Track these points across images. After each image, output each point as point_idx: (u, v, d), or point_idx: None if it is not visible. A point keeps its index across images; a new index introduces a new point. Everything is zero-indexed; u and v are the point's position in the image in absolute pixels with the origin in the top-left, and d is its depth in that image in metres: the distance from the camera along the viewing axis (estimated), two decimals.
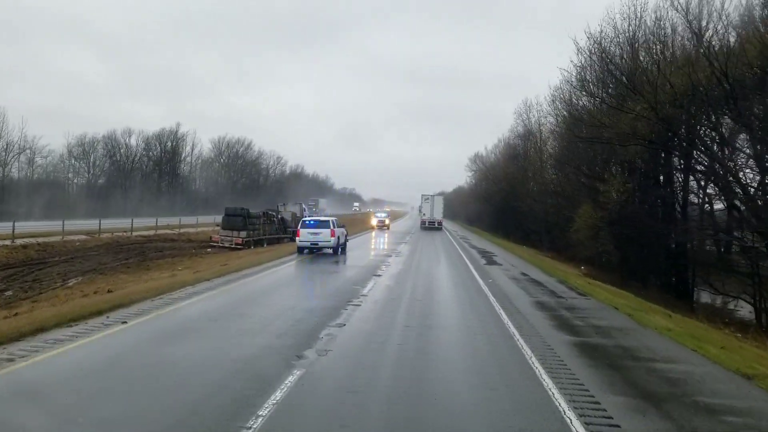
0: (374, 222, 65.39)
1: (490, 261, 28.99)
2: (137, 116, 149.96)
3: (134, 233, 42.14)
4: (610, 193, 26.86)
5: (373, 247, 35.50)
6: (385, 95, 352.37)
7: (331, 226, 28.30)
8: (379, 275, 20.30)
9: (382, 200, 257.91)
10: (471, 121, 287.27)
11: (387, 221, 66.01)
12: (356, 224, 72.15)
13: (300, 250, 28.72)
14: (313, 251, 28.89)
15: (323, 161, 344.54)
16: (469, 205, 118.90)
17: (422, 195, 69.30)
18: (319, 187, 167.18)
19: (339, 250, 29.36)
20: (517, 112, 68.70)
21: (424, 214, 68.27)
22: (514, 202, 71.56)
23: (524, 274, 23.47)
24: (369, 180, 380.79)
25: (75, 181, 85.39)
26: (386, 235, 53.33)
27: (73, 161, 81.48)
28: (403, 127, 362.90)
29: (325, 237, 28.04)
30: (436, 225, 65.77)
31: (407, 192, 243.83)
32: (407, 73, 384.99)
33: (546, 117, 49.46)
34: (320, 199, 54.10)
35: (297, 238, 28.59)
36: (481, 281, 19.77)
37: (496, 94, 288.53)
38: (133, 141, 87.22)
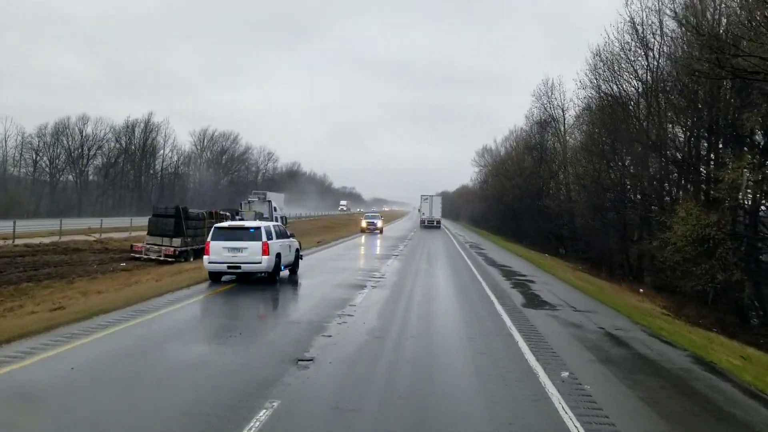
0: (363, 224, 53.80)
1: (529, 296, 17.46)
2: (132, 114, 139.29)
3: (23, 240, 30.63)
4: (736, 182, 15.31)
5: (345, 266, 24.05)
6: (387, 96, 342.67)
7: (264, 237, 16.84)
8: (308, 363, 8.77)
9: (385, 199, 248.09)
10: (472, 120, 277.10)
11: (379, 224, 54.32)
12: (342, 227, 60.65)
13: (213, 276, 17.37)
14: (241, 278, 17.60)
15: (323, 161, 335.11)
16: (474, 205, 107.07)
17: (421, 195, 71.46)
18: (316, 185, 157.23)
19: (280, 273, 17.99)
20: (535, 95, 56.96)
21: (423, 213, 70.51)
22: (532, 200, 60.45)
23: (612, 337, 11.98)
24: (370, 180, 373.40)
25: (34, 176, 73.94)
26: (376, 242, 41.84)
27: (17, 153, 69.98)
28: (405, 128, 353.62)
29: (252, 255, 16.65)
30: (435, 224, 68.58)
31: (408, 192, 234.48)
32: (410, 73, 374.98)
33: (586, 88, 37.69)
34: (269, 192, 42.47)
35: (205, 256, 17.17)
36: (551, 389, 8.23)
37: (499, 93, 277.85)
38: (89, 129, 75.17)
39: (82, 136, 74.23)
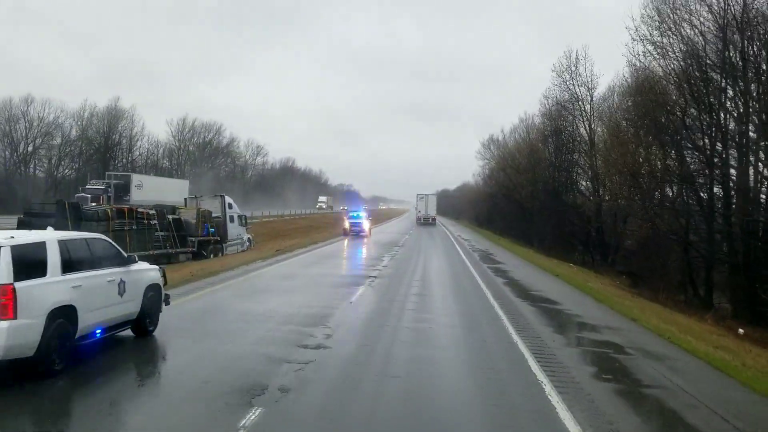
0: (346, 225, 43.66)
1: (656, 416, 7.46)
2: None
3: None
4: None
5: (273, 307, 13.82)
6: (387, 94, 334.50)
7: (5, 276, 6.78)
8: None
9: (384, 197, 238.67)
10: (473, 119, 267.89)
11: (366, 225, 44.10)
12: (325, 228, 50.55)
13: None
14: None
15: (324, 160, 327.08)
16: (478, 203, 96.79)
17: (417, 194, 74.97)
18: (311, 182, 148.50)
19: (66, 353, 7.79)
20: (556, 70, 46.80)
21: (419, 211, 73.99)
22: (549, 197, 50.83)
23: None
24: (369, 178, 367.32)
25: None
26: (354, 251, 31.84)
27: None
28: (405, 126, 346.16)
29: None
30: (430, 220, 71.80)
31: (409, 190, 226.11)
32: (411, 71, 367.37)
33: (644, 41, 27.56)
34: (136, 174, 31.89)
35: None
36: None
37: (501, 92, 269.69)
38: (34, 111, 64.31)
39: (26, 120, 63.96)
